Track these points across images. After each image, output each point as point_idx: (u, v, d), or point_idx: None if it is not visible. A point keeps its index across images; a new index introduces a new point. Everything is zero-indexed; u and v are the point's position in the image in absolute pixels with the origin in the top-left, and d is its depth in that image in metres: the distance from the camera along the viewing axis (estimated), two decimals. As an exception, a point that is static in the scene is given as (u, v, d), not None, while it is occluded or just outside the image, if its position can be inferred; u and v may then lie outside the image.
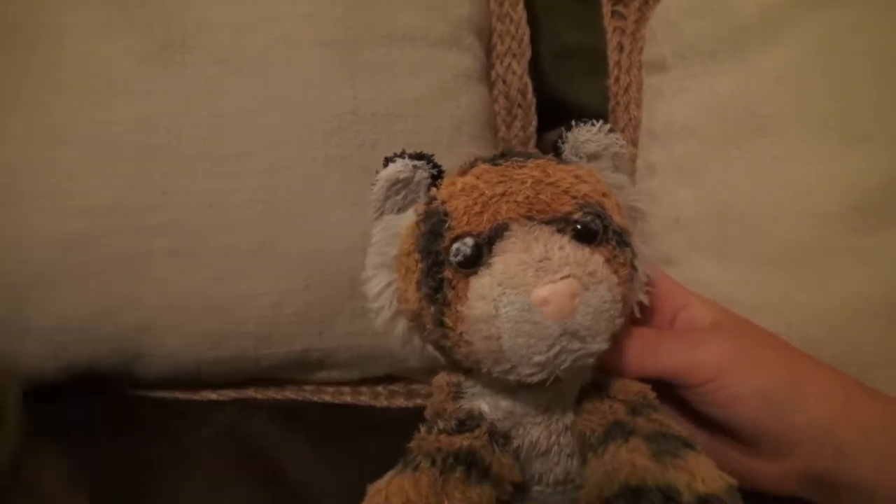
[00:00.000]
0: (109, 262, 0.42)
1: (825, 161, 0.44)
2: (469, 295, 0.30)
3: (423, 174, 0.34)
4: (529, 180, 0.32)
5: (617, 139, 0.35)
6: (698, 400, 0.35)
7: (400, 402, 0.52)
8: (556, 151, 0.35)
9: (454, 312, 0.31)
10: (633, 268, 0.33)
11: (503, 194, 0.31)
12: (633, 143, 0.56)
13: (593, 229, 0.31)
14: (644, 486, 0.29)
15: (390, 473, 0.32)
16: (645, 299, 0.36)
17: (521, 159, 0.34)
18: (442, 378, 0.36)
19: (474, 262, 0.30)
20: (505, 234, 0.30)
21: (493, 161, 0.34)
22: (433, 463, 0.31)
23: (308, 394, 0.51)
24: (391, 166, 0.34)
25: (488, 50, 0.58)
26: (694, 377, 0.35)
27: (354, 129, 0.46)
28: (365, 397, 0.52)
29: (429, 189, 0.34)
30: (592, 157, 0.35)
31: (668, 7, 0.53)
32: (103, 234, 0.42)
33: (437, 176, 0.34)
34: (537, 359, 0.29)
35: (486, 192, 0.31)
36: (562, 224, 0.30)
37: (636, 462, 0.29)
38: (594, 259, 0.30)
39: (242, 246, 0.44)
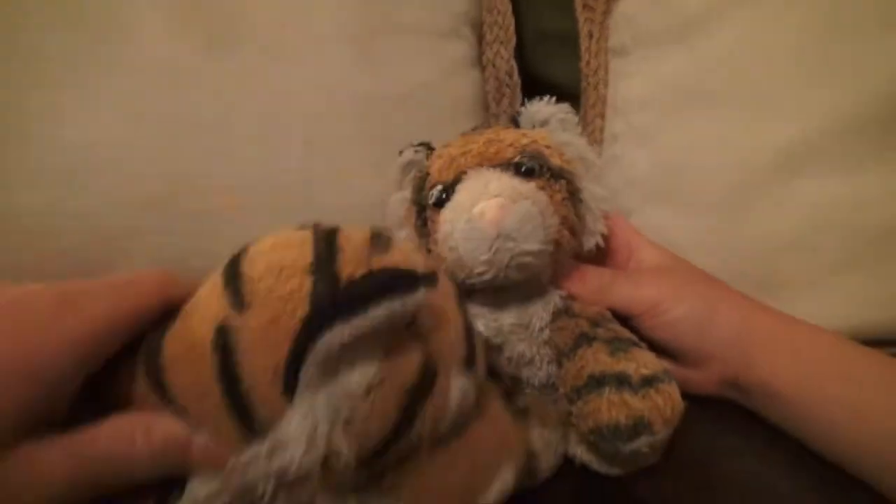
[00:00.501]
0: (183, 217, 0.47)
1: (751, 126, 0.49)
2: (438, 223, 0.39)
3: (422, 155, 0.44)
4: (483, 140, 0.41)
5: (560, 108, 0.44)
6: (642, 325, 0.42)
7: None
8: (514, 121, 0.44)
9: (433, 240, 0.40)
10: (575, 195, 0.41)
11: (463, 153, 0.40)
12: (602, 116, 0.62)
13: (530, 167, 0.39)
14: (604, 374, 0.36)
15: None
16: (602, 228, 0.43)
17: (484, 128, 0.42)
18: None
19: (443, 202, 0.39)
20: (463, 178, 0.39)
21: (467, 133, 0.43)
22: None
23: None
24: (404, 153, 0.45)
25: (479, 38, 0.64)
26: (637, 308, 0.42)
27: (374, 107, 0.53)
28: None
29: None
30: (544, 123, 0.43)
31: (628, 1, 0.59)
32: (179, 194, 0.47)
33: (431, 155, 0.44)
34: (483, 257, 0.37)
35: (453, 153, 0.41)
36: (506, 166, 0.39)
37: (598, 358, 0.37)
38: (526, 186, 0.38)
39: (287, 204, 0.50)
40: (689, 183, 0.52)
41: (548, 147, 0.41)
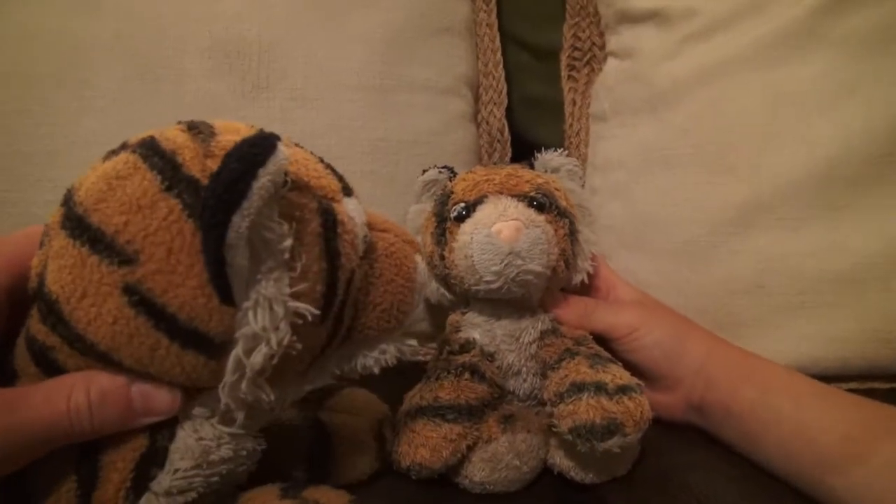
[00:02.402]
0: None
1: (711, 185, 0.54)
2: (457, 234, 0.44)
3: (444, 176, 0.49)
4: (504, 172, 0.47)
5: (571, 161, 0.50)
6: (620, 348, 0.47)
7: (404, 357, 0.61)
8: (530, 164, 0.50)
9: (449, 248, 0.44)
10: (573, 235, 0.46)
11: (486, 180, 0.46)
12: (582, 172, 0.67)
13: (541, 202, 0.45)
14: (584, 382, 0.40)
15: (418, 385, 0.44)
16: (589, 267, 0.49)
17: (504, 165, 0.49)
18: (451, 317, 0.48)
19: (463, 217, 0.44)
20: (484, 200, 0.44)
21: (489, 165, 0.49)
22: (448, 372, 0.43)
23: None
24: (428, 172, 0.50)
25: (476, 98, 0.70)
26: (616, 332, 0.47)
27: (384, 151, 0.58)
28: None
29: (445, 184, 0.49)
30: (554, 170, 0.49)
31: (607, 75, 0.66)
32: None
33: (452, 178, 0.49)
34: (494, 268, 0.42)
35: (477, 178, 0.46)
36: (521, 197, 0.44)
37: (579, 369, 0.41)
38: (537, 217, 0.43)
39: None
40: (658, 232, 0.57)
41: (557, 190, 0.47)
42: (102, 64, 0.53)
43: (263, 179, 0.26)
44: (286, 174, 0.28)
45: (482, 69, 0.71)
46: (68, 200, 0.28)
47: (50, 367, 0.29)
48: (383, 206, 0.55)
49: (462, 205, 0.45)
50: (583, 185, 0.51)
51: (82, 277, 0.27)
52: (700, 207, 0.55)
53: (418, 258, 0.38)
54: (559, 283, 0.48)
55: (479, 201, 0.44)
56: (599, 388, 0.40)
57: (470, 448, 0.41)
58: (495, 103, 0.70)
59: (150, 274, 0.27)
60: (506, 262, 0.41)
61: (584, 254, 0.49)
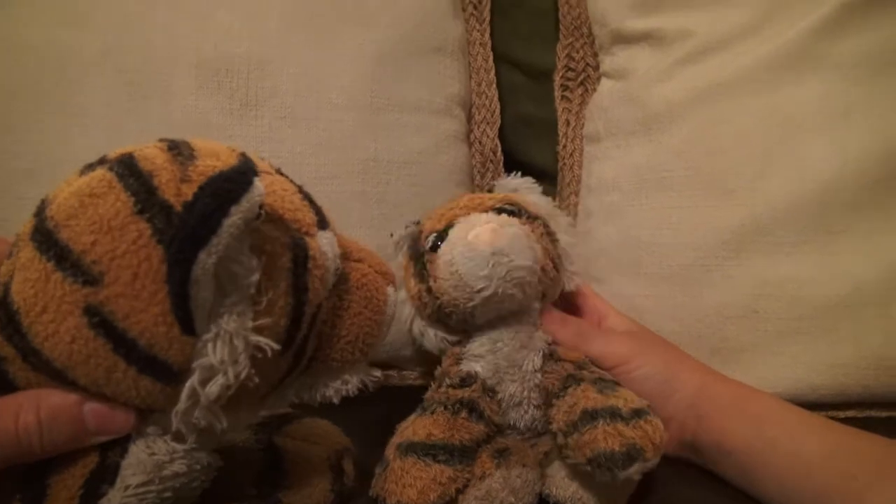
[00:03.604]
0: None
1: (703, 208, 0.54)
2: (438, 261, 0.44)
3: (412, 228, 0.49)
4: (467, 198, 0.47)
5: (527, 179, 0.52)
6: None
7: (394, 382, 0.61)
8: (490, 189, 0.52)
9: (432, 276, 0.44)
10: (551, 236, 0.47)
11: (450, 208, 0.47)
12: (576, 193, 0.67)
13: (512, 209, 0.45)
14: (596, 409, 0.39)
15: (412, 416, 0.43)
16: (577, 273, 0.50)
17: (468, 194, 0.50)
18: (450, 351, 0.47)
19: (437, 245, 0.44)
20: (454, 224, 0.45)
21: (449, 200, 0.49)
22: (445, 408, 0.42)
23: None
24: (395, 235, 0.50)
25: (468, 118, 0.69)
26: (607, 361, 0.46)
27: (374, 171, 0.57)
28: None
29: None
30: (513, 190, 0.51)
31: (602, 96, 0.66)
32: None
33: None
34: (482, 273, 0.41)
35: (441, 211, 0.47)
36: (490, 210, 0.45)
37: (588, 396, 0.40)
38: (509, 219, 0.44)
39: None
40: (652, 256, 0.57)
41: (525, 201, 0.48)
42: (88, 80, 0.52)
43: (235, 217, 0.26)
44: (261, 207, 0.28)
45: (475, 89, 0.70)
46: (40, 212, 0.28)
47: None
48: (373, 227, 0.58)
49: (434, 234, 0.45)
50: (575, 208, 0.51)
51: (45, 292, 0.27)
52: (695, 231, 0.55)
53: (390, 290, 0.37)
54: (553, 286, 0.48)
55: (448, 226, 0.45)
56: (614, 414, 0.39)
57: (460, 492, 0.39)
58: (488, 123, 0.70)
59: (114, 297, 0.26)
60: (492, 262, 0.41)
61: (568, 256, 0.49)
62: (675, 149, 0.57)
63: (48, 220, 0.27)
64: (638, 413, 0.39)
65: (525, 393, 0.45)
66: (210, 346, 0.27)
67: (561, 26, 0.70)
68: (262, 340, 0.28)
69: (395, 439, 0.41)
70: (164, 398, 0.28)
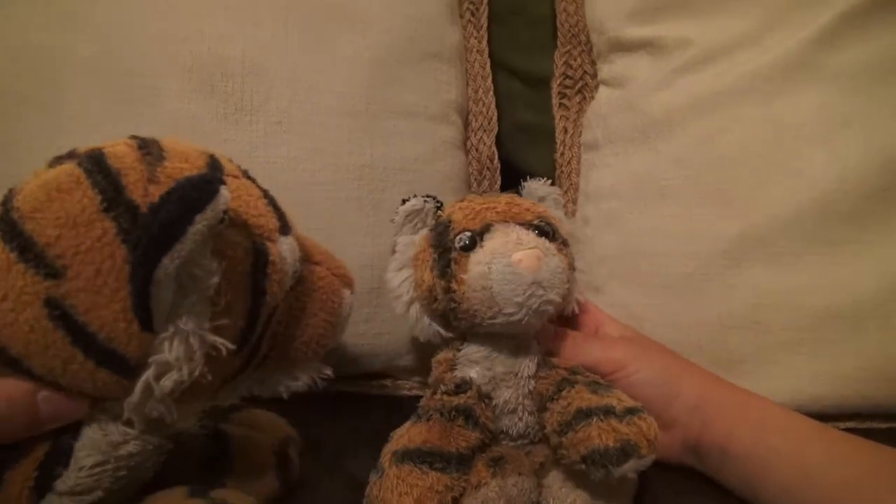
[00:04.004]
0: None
1: (703, 217, 0.54)
2: (468, 265, 0.42)
3: (430, 206, 0.47)
4: (504, 200, 0.45)
5: (556, 190, 0.50)
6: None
7: (388, 392, 0.61)
8: (518, 193, 0.49)
9: (458, 279, 0.42)
10: (572, 266, 0.46)
11: (487, 208, 0.44)
12: (574, 201, 0.67)
13: (548, 230, 0.44)
14: (590, 407, 0.39)
15: (407, 423, 0.42)
16: (580, 297, 0.49)
17: (496, 194, 0.48)
18: (441, 355, 0.47)
19: (471, 247, 0.43)
20: (491, 229, 0.43)
21: (480, 194, 0.49)
22: (441, 415, 0.41)
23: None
24: (410, 202, 0.47)
25: (465, 125, 0.69)
26: (605, 367, 0.46)
27: (370, 177, 0.56)
28: (361, 388, 0.60)
29: (435, 214, 0.47)
30: (542, 199, 0.49)
31: (600, 103, 0.65)
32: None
33: (439, 208, 0.47)
34: (517, 299, 0.40)
35: (476, 207, 0.45)
36: (527, 226, 0.43)
37: (582, 396, 0.40)
38: (550, 244, 0.43)
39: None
40: (651, 265, 0.57)
41: (555, 219, 0.47)
42: (77, 82, 0.51)
43: (199, 225, 0.26)
44: (225, 213, 0.29)
45: (472, 95, 0.70)
46: (7, 202, 0.29)
47: None
48: (369, 234, 0.57)
49: (468, 233, 0.43)
50: (573, 215, 0.50)
51: (6, 281, 0.27)
52: (694, 239, 0.55)
53: (346, 293, 0.39)
54: (559, 311, 0.47)
55: (485, 230, 0.43)
56: (608, 411, 0.38)
57: (456, 500, 0.39)
58: (485, 130, 0.70)
59: (76, 291, 0.27)
60: (529, 292, 0.40)
61: (576, 284, 0.48)
62: (675, 157, 0.57)
63: (13, 211, 0.28)
64: (632, 411, 0.39)
65: (520, 399, 0.44)
66: (167, 343, 0.28)
67: (559, 34, 0.70)
68: (217, 340, 0.29)
69: (390, 447, 0.40)
70: (119, 389, 0.29)
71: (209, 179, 0.28)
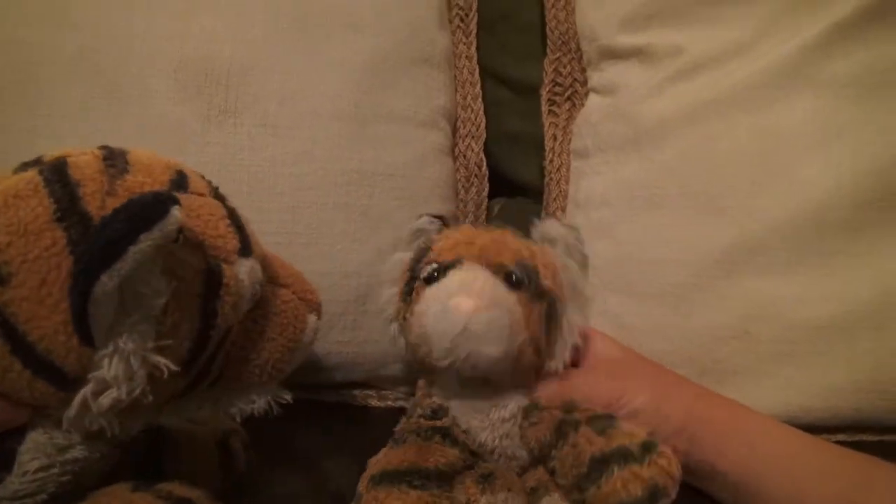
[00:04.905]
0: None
1: (695, 226, 0.53)
2: (420, 298, 0.41)
3: (434, 227, 0.46)
4: (490, 237, 0.43)
5: (573, 233, 0.45)
6: None
7: (373, 402, 0.60)
8: (528, 232, 0.46)
9: (412, 309, 0.41)
10: (552, 318, 0.42)
11: (467, 242, 0.42)
12: (563, 209, 0.66)
13: (519, 279, 0.40)
14: (604, 454, 0.37)
15: (384, 450, 0.40)
16: (567, 357, 0.44)
17: (498, 227, 0.45)
18: (421, 381, 0.46)
19: (432, 279, 0.41)
20: (458, 265, 0.40)
21: (480, 226, 0.47)
22: (417, 435, 0.40)
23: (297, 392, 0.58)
24: (419, 220, 0.47)
25: (454, 131, 0.68)
26: (595, 405, 0.43)
27: (357, 183, 0.55)
28: (344, 398, 0.59)
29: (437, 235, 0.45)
30: (553, 241, 0.45)
31: (590, 111, 0.65)
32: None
33: (441, 230, 0.46)
34: (445, 344, 0.38)
35: (458, 238, 0.43)
36: (498, 269, 0.40)
37: (591, 440, 0.38)
38: (505, 295, 0.39)
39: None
40: (643, 274, 0.56)
41: (545, 266, 0.42)
42: (62, 80, 0.50)
43: (143, 244, 0.26)
44: (179, 232, 0.28)
45: (460, 102, 0.69)
46: None
47: None
48: (356, 240, 0.56)
49: (434, 265, 0.41)
50: (585, 260, 0.46)
51: None
52: (686, 249, 0.54)
53: (311, 318, 0.38)
54: (527, 368, 0.43)
55: (452, 265, 0.41)
56: (625, 455, 0.37)
57: None
58: (473, 137, 0.69)
59: (18, 300, 0.27)
60: (456, 341, 0.38)
61: (564, 341, 0.44)
62: (667, 165, 0.56)
63: None
64: (647, 448, 0.37)
65: (496, 441, 0.42)
66: (106, 360, 0.28)
67: (549, 41, 0.69)
68: (160, 361, 0.29)
69: (367, 473, 0.39)
70: (58, 401, 0.29)
71: (161, 199, 0.27)
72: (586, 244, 0.58)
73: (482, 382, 0.42)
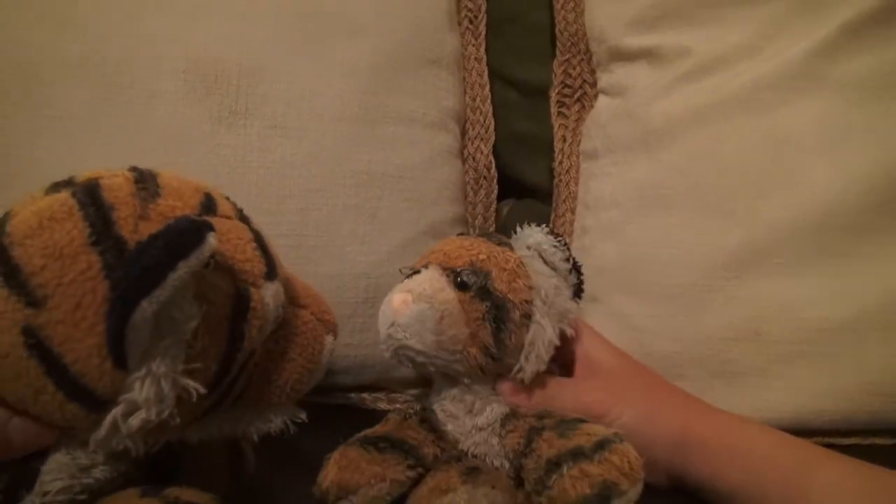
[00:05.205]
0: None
1: (704, 227, 0.53)
2: None
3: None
4: (457, 244, 0.44)
5: (550, 241, 0.44)
6: None
7: (383, 406, 0.59)
8: (505, 226, 0.49)
9: None
10: (500, 322, 0.41)
11: (439, 249, 0.44)
12: (572, 210, 0.66)
13: (463, 279, 0.42)
14: (559, 455, 0.37)
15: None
16: (537, 366, 0.42)
17: (486, 236, 0.46)
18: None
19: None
20: (424, 270, 0.43)
21: (467, 235, 0.47)
22: (398, 415, 0.43)
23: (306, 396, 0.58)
24: None
25: (462, 133, 0.68)
26: (583, 414, 0.42)
27: (367, 184, 0.55)
28: (354, 401, 0.59)
29: None
30: (528, 248, 0.44)
31: (599, 112, 0.65)
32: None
33: None
34: (382, 336, 0.41)
35: (435, 248, 0.45)
36: (450, 271, 0.42)
37: (551, 443, 0.38)
38: (445, 294, 0.41)
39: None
40: (652, 275, 0.56)
41: (503, 269, 0.42)
42: (66, 83, 0.50)
43: (181, 271, 0.26)
44: (211, 257, 0.29)
45: (469, 104, 0.69)
46: (2, 225, 0.29)
47: None
48: (365, 243, 0.56)
49: (408, 270, 0.44)
50: (572, 266, 0.45)
51: None
52: (696, 250, 0.54)
53: (329, 339, 0.39)
54: (489, 371, 0.43)
55: (420, 269, 0.44)
56: (576, 454, 0.36)
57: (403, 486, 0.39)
58: (482, 139, 0.69)
59: (54, 322, 0.27)
60: (387, 333, 0.41)
61: (529, 350, 0.42)
62: (676, 166, 0.56)
63: (6, 236, 0.28)
64: (602, 445, 0.36)
65: (474, 449, 0.43)
66: (138, 383, 0.28)
67: (558, 42, 0.69)
68: (189, 384, 0.29)
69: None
70: (88, 423, 0.29)
71: (198, 226, 0.28)
72: (595, 248, 0.60)
73: (454, 383, 0.44)
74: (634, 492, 0.35)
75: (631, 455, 0.36)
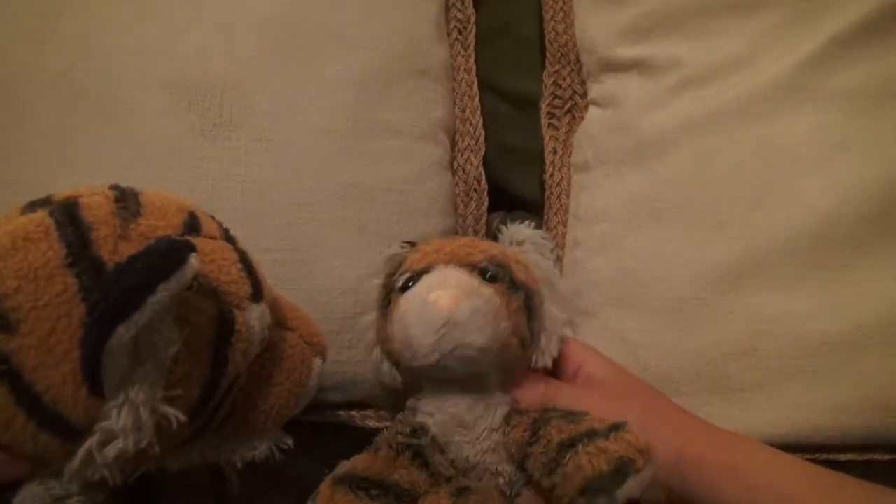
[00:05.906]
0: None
1: (698, 240, 0.52)
2: (398, 305, 0.41)
3: (405, 250, 0.47)
4: (458, 243, 0.44)
5: (538, 233, 0.47)
6: None
7: (371, 423, 0.57)
8: (495, 237, 0.48)
9: (390, 319, 0.42)
10: (531, 310, 0.43)
11: (437, 250, 0.44)
12: (563, 223, 0.65)
13: (493, 273, 0.42)
14: (572, 437, 0.37)
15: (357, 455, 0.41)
16: (554, 350, 0.45)
17: (464, 237, 0.47)
18: (409, 401, 0.46)
19: (406, 287, 0.42)
20: (430, 270, 0.42)
21: (449, 236, 0.48)
22: (390, 447, 0.41)
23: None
24: (389, 248, 0.48)
25: (452, 145, 0.67)
26: None
27: (355, 198, 0.55)
28: (342, 419, 0.58)
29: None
30: (521, 243, 0.47)
31: (591, 123, 0.64)
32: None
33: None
34: (429, 340, 0.38)
35: (429, 249, 0.44)
36: (471, 267, 0.42)
37: (561, 428, 0.38)
38: (482, 287, 0.40)
39: (264, 282, 0.51)
40: (646, 289, 0.55)
41: (517, 262, 0.44)
42: (42, 98, 0.49)
43: (161, 295, 0.25)
44: (194, 279, 0.28)
45: (459, 115, 0.68)
46: None
47: None
48: (353, 257, 0.54)
49: (408, 274, 0.42)
50: (557, 259, 0.47)
51: None
52: (690, 263, 0.53)
53: (317, 362, 0.38)
54: (515, 364, 0.44)
55: (425, 271, 0.42)
56: (591, 434, 0.36)
57: None
58: (472, 150, 0.68)
59: (26, 348, 0.26)
60: (442, 332, 0.38)
61: (548, 334, 0.45)
62: (669, 178, 0.56)
63: None
64: (615, 427, 0.37)
65: (479, 457, 0.42)
66: (115, 412, 0.27)
67: (548, 53, 0.69)
68: (170, 411, 0.28)
69: (333, 472, 0.40)
70: (61, 453, 0.28)
71: (179, 247, 0.27)
72: (588, 261, 0.60)
73: (466, 389, 0.43)
74: (648, 473, 0.36)
75: (643, 439, 0.37)
